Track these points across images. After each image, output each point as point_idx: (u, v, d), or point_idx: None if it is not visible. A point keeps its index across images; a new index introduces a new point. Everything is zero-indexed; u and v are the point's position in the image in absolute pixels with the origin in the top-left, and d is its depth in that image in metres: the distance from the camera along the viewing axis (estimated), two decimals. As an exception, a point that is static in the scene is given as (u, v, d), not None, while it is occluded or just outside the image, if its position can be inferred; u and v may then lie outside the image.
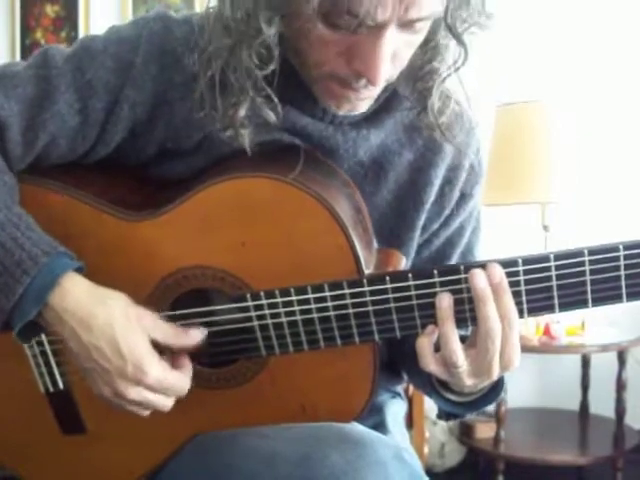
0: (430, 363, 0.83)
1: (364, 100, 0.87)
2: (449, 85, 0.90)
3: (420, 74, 0.90)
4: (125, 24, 0.92)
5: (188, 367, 0.87)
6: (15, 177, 0.89)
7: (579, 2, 2.66)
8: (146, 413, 0.87)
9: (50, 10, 2.95)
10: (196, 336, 0.86)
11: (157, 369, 0.83)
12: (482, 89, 0.87)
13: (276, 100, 0.85)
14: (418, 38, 0.83)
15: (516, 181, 2.37)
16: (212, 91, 0.86)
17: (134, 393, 0.83)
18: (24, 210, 0.85)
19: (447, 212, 1.01)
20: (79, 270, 0.84)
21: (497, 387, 0.91)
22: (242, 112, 0.85)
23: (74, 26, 2.93)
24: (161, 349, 0.84)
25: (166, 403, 0.86)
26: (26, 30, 2.96)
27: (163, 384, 0.84)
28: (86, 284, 0.84)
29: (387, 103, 0.94)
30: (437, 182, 0.98)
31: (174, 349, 0.86)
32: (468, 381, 0.83)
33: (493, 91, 2.45)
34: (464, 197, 1.01)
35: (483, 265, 0.80)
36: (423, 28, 0.81)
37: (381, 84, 0.82)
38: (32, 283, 0.80)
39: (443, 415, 0.98)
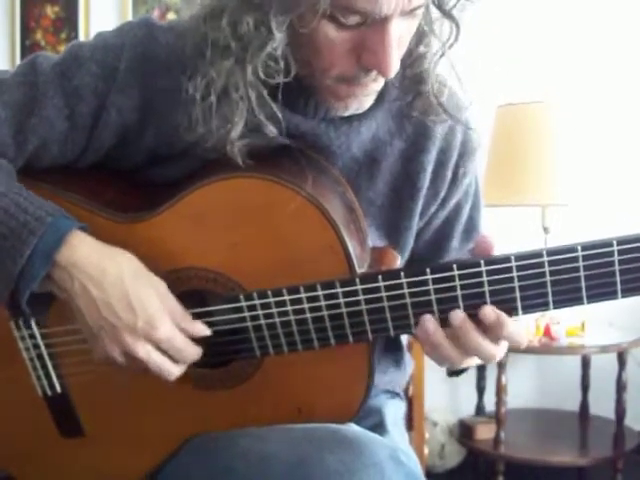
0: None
1: (370, 95, 0.88)
2: (442, 69, 0.90)
3: (409, 61, 0.90)
4: (111, 31, 0.92)
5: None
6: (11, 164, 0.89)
7: (582, 2, 2.66)
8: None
9: (50, 11, 2.95)
10: (199, 330, 0.86)
11: (168, 326, 0.82)
12: (483, 89, 0.86)
13: (280, 115, 0.85)
14: (415, 23, 0.84)
15: (517, 182, 2.36)
16: (208, 114, 0.85)
17: (142, 350, 0.82)
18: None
19: (443, 194, 1.01)
20: (83, 230, 0.84)
21: None
22: (236, 132, 0.84)
23: (74, 27, 2.93)
24: None
25: (172, 369, 0.85)
26: (26, 31, 2.96)
27: (173, 344, 0.83)
28: (93, 241, 0.84)
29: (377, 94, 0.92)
30: (429, 167, 0.98)
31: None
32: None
33: (494, 91, 2.45)
34: (457, 175, 1.00)
35: (477, 263, 0.80)
36: (420, 13, 0.82)
37: (393, 74, 0.82)
38: (39, 243, 0.81)
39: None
